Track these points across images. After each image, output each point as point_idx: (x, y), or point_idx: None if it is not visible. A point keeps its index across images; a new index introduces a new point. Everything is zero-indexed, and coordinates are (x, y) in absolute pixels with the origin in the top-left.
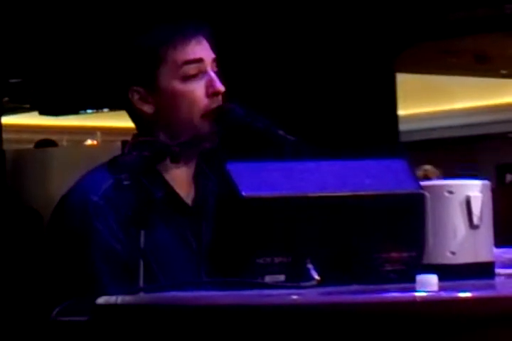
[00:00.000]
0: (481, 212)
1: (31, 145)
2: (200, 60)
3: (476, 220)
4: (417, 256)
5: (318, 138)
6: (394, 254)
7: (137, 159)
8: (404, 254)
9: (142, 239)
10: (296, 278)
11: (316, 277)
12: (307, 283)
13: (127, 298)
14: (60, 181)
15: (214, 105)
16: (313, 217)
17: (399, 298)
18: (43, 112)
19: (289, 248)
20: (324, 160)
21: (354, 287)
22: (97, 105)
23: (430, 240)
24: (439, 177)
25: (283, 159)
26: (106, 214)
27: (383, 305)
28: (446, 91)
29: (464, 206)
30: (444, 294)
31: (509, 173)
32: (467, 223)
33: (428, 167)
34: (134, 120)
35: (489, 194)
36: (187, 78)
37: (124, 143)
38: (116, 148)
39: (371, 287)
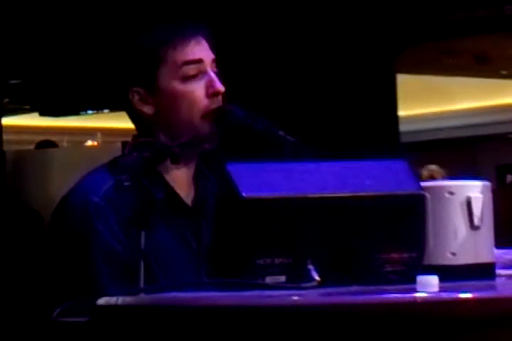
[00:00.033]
0: (482, 212)
1: (31, 147)
2: (199, 61)
3: (476, 221)
4: (417, 257)
5: (319, 139)
6: (394, 255)
7: (137, 160)
8: (405, 255)
9: (143, 240)
10: (297, 278)
11: (317, 278)
12: (308, 284)
13: (128, 299)
14: (60, 182)
15: (214, 105)
16: (313, 218)
17: (399, 299)
18: (43, 113)
19: (289, 249)
20: (324, 161)
21: (354, 288)
22: (98, 106)
23: (431, 241)
24: (444, 177)
25: (283, 160)
26: (106, 215)
27: (384, 306)
28: (446, 91)
29: (465, 207)
30: (444, 295)
31: (509, 174)
32: (468, 224)
33: (433, 167)
34: (133, 121)
35: (490, 195)
36: (187, 79)
37: (124, 144)
38: (117, 149)
39: (371, 288)
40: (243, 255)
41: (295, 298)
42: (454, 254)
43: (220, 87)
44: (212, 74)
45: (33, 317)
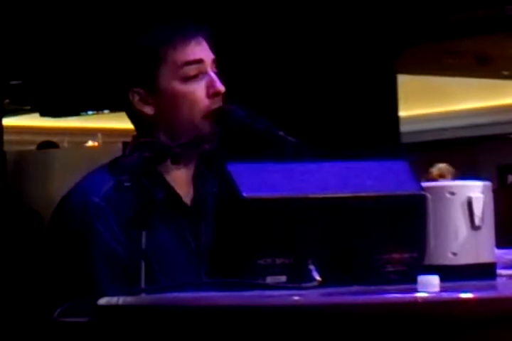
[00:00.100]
0: (483, 213)
1: (32, 147)
2: (200, 61)
3: (477, 221)
4: (418, 257)
5: (319, 139)
6: (395, 255)
7: (138, 160)
8: (406, 255)
9: (143, 240)
10: (298, 279)
11: (318, 278)
12: (308, 284)
13: (128, 299)
14: (60, 182)
15: (215, 106)
16: (314, 218)
17: (400, 299)
18: (44, 114)
19: (290, 249)
20: (325, 162)
21: (355, 288)
22: (98, 106)
23: (431, 241)
24: (454, 176)
25: (284, 160)
26: (107, 215)
27: (384, 306)
28: (447, 92)
29: (466, 207)
30: (445, 295)
31: (510, 174)
32: (469, 224)
33: (442, 165)
34: (133, 121)
35: (490, 195)
36: (187, 79)
37: (125, 144)
38: (117, 150)
39: (372, 288)
40: (244, 255)
41: (296, 298)
42: (454, 254)
43: (221, 87)
44: (213, 75)
45: (33, 318)
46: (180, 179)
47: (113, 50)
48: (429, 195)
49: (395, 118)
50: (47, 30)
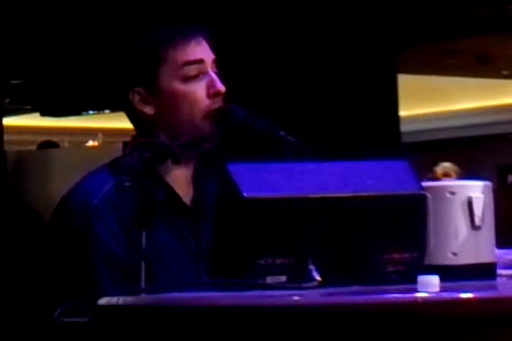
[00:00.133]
0: (483, 212)
1: (33, 147)
2: (200, 61)
3: (477, 221)
4: (418, 257)
5: (320, 139)
6: (395, 255)
7: (138, 160)
8: (406, 255)
9: (144, 240)
10: (298, 279)
11: (318, 278)
12: (308, 284)
13: (129, 299)
14: (61, 182)
15: (215, 106)
16: (314, 218)
17: (400, 299)
18: (45, 113)
19: (290, 249)
20: (325, 161)
21: (355, 288)
22: (99, 106)
23: (432, 241)
24: (459, 175)
25: (284, 160)
26: (106, 216)
27: (384, 306)
28: (447, 92)
29: (466, 207)
30: (445, 295)
31: (511, 174)
32: (469, 224)
33: (447, 164)
34: (133, 121)
35: (491, 195)
36: (187, 79)
37: (125, 144)
38: (118, 149)
39: (372, 288)
40: (244, 255)
41: (296, 298)
42: (455, 254)
43: (221, 87)
44: (213, 75)
45: (33, 318)
46: (180, 179)
47: (114, 49)
48: (429, 195)
49: (396, 118)
50: (47, 29)
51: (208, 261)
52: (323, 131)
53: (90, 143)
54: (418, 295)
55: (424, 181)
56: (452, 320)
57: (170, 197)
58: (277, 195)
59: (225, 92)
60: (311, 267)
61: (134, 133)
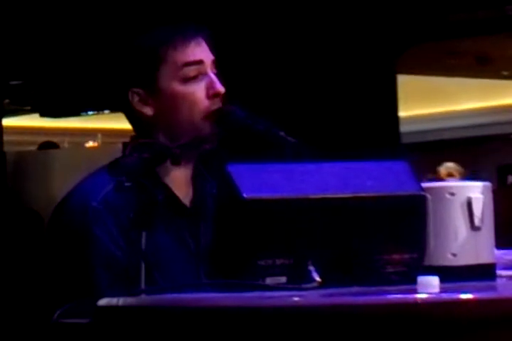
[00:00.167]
0: (482, 213)
1: (32, 147)
2: (200, 62)
3: (477, 222)
4: (418, 258)
5: (319, 139)
6: (395, 256)
7: (138, 161)
8: (406, 256)
9: (144, 241)
10: (298, 279)
11: (318, 279)
12: (308, 285)
13: (129, 300)
14: (61, 183)
15: (214, 107)
16: (314, 219)
17: (400, 300)
18: (44, 114)
19: (290, 250)
20: (325, 162)
21: (355, 289)
22: (98, 107)
23: (431, 242)
24: (463, 176)
25: (284, 161)
26: (105, 219)
27: (384, 306)
28: (447, 92)
29: (465, 207)
30: (445, 296)
31: (510, 175)
32: (468, 225)
33: (451, 164)
34: (132, 122)
35: (490, 195)
36: (187, 80)
37: (124, 144)
38: (117, 150)
39: (372, 289)
40: (244, 256)
41: (296, 298)
42: (454, 255)
43: (221, 88)
44: (213, 76)
45: (33, 319)
46: (179, 180)
47: (113, 50)
48: (429, 196)
49: (395, 119)
50: (47, 30)
51: (207, 262)
52: (323, 131)
53: (90, 143)
54: (418, 296)
55: (424, 182)
56: (452, 321)
57: (169, 198)
58: (277, 195)
59: (225, 93)
60: (311, 268)
61: (133, 133)
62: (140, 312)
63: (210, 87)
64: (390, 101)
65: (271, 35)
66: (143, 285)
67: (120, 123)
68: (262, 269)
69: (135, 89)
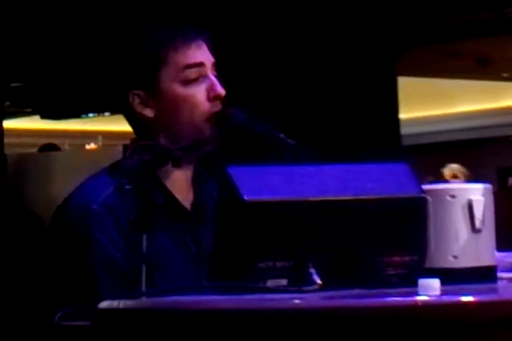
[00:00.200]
0: (483, 215)
1: (33, 150)
2: (201, 64)
3: (478, 224)
4: (419, 260)
5: (320, 142)
6: (396, 258)
7: (138, 163)
8: (407, 258)
9: (144, 243)
10: (298, 282)
11: (318, 281)
12: (309, 288)
13: (129, 303)
14: (62, 185)
15: (215, 109)
16: (314, 221)
17: (401, 302)
18: (45, 116)
19: (290, 252)
20: (325, 164)
21: (356, 291)
22: (99, 109)
23: (432, 244)
24: (467, 177)
25: (284, 163)
26: (105, 222)
27: (385, 309)
28: (447, 94)
29: (466, 210)
30: (446, 298)
31: (511, 177)
32: (469, 227)
33: (455, 166)
34: (132, 124)
35: (491, 197)
36: (188, 82)
37: (125, 146)
38: (118, 152)
39: (373, 291)
40: (245, 258)
41: (297, 301)
42: (455, 257)
43: (221, 91)
44: (213, 78)
45: (34, 321)
46: (179, 182)
47: (114, 51)
48: (429, 198)
49: (396, 121)
50: (47, 32)
51: (208, 264)
52: (324, 133)
53: (92, 145)
54: (419, 298)
55: (425, 184)
56: (453, 324)
57: (169, 201)
58: (277, 198)
59: (225, 95)
60: (312, 270)
61: (134, 136)
62: (141, 314)
63: (210, 89)
64: (391, 103)
65: (271, 37)
66: (143, 288)
67: (121, 125)
68: (262, 272)
69: (136, 91)
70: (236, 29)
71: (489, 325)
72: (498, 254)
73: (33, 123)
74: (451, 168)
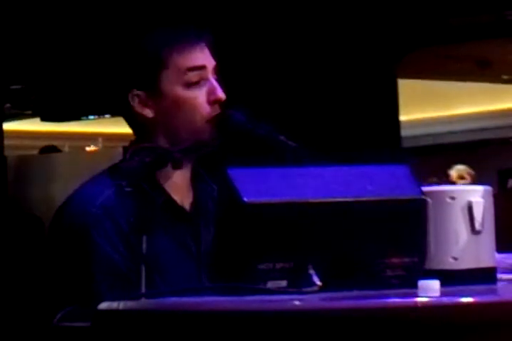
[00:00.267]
0: (483, 217)
1: (33, 152)
2: (203, 67)
3: (477, 226)
4: (419, 262)
5: (320, 143)
6: (396, 260)
7: (139, 165)
8: (406, 260)
9: (144, 245)
10: (298, 283)
11: (318, 283)
12: (309, 289)
13: (129, 304)
14: (62, 186)
15: (214, 113)
16: (314, 223)
17: (401, 304)
18: (45, 118)
19: (290, 253)
20: (326, 166)
21: (356, 292)
22: (99, 111)
23: (432, 246)
24: (473, 178)
25: (284, 165)
26: (104, 225)
27: (385, 310)
28: (447, 96)
29: (466, 211)
30: (445, 300)
31: (511, 178)
32: (469, 228)
33: (461, 167)
34: (132, 125)
35: (491, 199)
36: (189, 85)
37: (125, 148)
38: (118, 154)
39: (373, 292)
40: (244, 260)
41: (296, 302)
42: (455, 259)
43: (222, 95)
44: (214, 82)
45: (34, 322)
46: (178, 184)
47: (115, 51)
48: (429, 200)
49: (396, 123)
50: (47, 34)
51: (208, 266)
52: (324, 135)
53: (92, 147)
54: (418, 299)
55: (425, 185)
56: (453, 325)
57: (167, 202)
58: (277, 199)
59: (226, 98)
60: (312, 272)
61: (134, 138)
62: (140, 316)
63: (211, 92)
64: (391, 105)
65: (271, 40)
66: (143, 289)
67: (121, 127)
68: (262, 273)
69: (136, 91)
70: (236, 31)
71: (489, 326)
72: (497, 256)
73: (34, 125)
74: (458, 169)
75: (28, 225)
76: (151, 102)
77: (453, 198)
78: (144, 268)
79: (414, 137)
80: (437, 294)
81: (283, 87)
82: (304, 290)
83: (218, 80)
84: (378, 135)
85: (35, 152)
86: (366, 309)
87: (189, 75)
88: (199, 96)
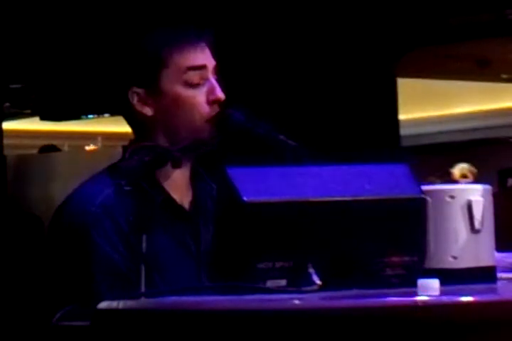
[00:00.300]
0: (483, 216)
1: (32, 151)
2: (203, 67)
3: (477, 224)
4: (418, 261)
5: (319, 143)
6: (395, 259)
7: (138, 164)
8: (406, 259)
9: (144, 244)
10: (298, 282)
11: (318, 282)
12: (308, 288)
13: (129, 303)
14: (61, 186)
15: (214, 112)
16: (314, 222)
17: (400, 303)
18: (44, 118)
19: (290, 252)
20: (325, 165)
21: (355, 291)
22: (98, 110)
23: (432, 245)
24: (476, 177)
25: (284, 164)
26: (104, 224)
27: (384, 309)
28: (447, 95)
29: (466, 210)
30: (445, 298)
31: (511, 178)
32: (468, 227)
33: (464, 165)
34: (131, 123)
35: (490, 198)
36: (189, 84)
37: (124, 148)
38: (117, 153)
39: (372, 291)
40: (244, 259)
41: (296, 301)
42: (454, 258)
43: (221, 95)
44: (214, 82)
45: (33, 322)
46: (178, 182)
47: (115, 49)
48: (429, 199)
49: (395, 122)
50: (47, 33)
51: (208, 265)
52: (323, 134)
53: (91, 146)
54: (418, 298)
55: (424, 184)
56: (452, 324)
57: (166, 201)
58: (277, 199)
59: (226, 97)
60: (311, 271)
61: (133, 137)
62: (140, 315)
63: (210, 92)
64: (390, 104)
65: (270, 39)
66: (143, 289)
67: (120, 126)
68: (261, 272)
69: (135, 89)
70: (236, 31)
71: (489, 325)
72: (497, 255)
73: (33, 124)
74: (461, 168)
75: (28, 224)
76: (151, 100)
77: (452, 197)
78: (143, 268)
79: (414, 136)
80: (437, 293)
81: (282, 86)
82: (304, 289)
83: (218, 80)
84: (378, 134)
85: (35, 151)
86: (366, 308)
87: (189, 74)
88: (199, 96)
